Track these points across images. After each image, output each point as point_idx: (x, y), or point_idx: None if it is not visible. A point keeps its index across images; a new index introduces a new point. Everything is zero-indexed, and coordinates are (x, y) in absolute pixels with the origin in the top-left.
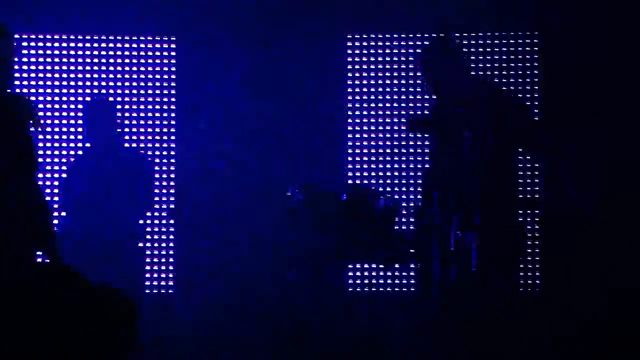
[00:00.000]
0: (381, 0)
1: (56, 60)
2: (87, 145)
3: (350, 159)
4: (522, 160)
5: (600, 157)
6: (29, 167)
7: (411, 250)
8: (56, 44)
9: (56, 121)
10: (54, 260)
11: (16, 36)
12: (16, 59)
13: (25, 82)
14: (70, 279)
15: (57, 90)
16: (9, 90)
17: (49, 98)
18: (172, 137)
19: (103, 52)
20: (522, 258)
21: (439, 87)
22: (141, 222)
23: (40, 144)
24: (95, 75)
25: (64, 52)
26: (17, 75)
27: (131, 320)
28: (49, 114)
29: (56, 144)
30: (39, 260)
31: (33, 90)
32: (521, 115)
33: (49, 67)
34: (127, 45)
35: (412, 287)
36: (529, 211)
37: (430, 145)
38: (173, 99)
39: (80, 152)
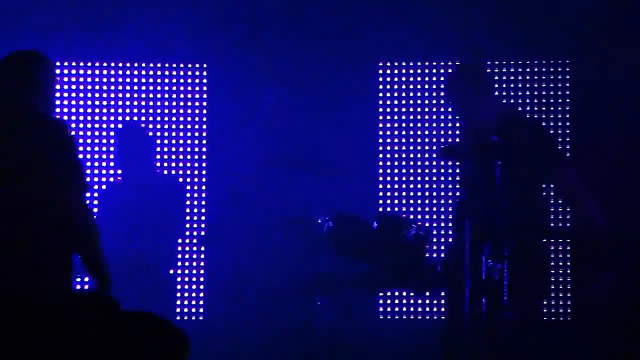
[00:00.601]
0: (412, 28)
1: (88, 87)
2: (120, 171)
3: (381, 187)
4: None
5: (628, 183)
6: (77, 187)
7: (442, 278)
8: (89, 72)
9: (89, 148)
10: (105, 290)
11: (57, 63)
12: (57, 86)
13: (57, 110)
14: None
15: (89, 118)
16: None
17: (81, 125)
18: (204, 164)
19: (135, 80)
20: (551, 287)
21: (467, 115)
22: (172, 248)
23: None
24: (128, 103)
25: (97, 79)
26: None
27: (184, 353)
28: (81, 140)
29: (88, 171)
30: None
31: (66, 117)
32: (547, 146)
33: (81, 95)
34: (159, 73)
35: (442, 315)
36: (560, 240)
37: (461, 173)
38: (204, 126)
39: (112, 179)
